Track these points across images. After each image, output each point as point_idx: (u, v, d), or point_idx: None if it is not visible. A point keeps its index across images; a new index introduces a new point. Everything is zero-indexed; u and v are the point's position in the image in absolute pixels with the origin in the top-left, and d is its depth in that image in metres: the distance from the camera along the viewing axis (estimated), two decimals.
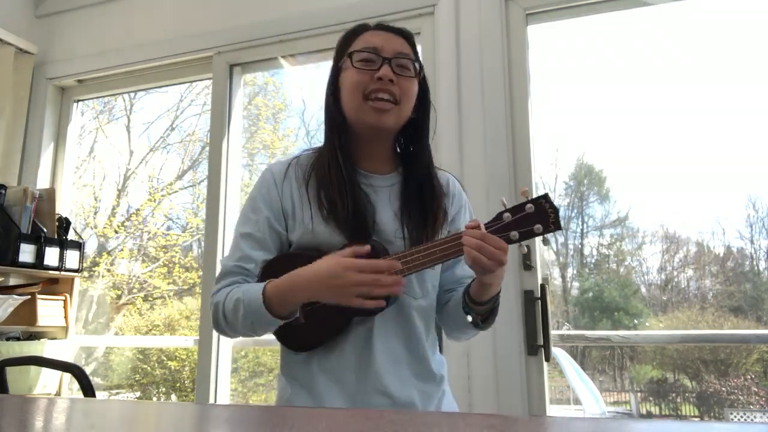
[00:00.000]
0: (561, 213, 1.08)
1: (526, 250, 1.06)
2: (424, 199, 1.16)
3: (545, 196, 1.04)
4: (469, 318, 1.14)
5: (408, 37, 1.21)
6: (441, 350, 1.29)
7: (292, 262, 1.10)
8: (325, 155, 1.17)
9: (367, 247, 1.04)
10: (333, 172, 1.14)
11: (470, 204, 1.30)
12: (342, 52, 1.20)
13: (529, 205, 1.03)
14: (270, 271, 1.14)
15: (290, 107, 5.73)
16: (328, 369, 1.12)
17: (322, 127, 1.23)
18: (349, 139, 1.18)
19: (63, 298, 2.59)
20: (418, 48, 2.34)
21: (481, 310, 1.12)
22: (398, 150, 1.26)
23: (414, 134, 1.21)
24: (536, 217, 1.03)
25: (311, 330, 1.12)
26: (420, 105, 1.20)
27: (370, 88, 1.12)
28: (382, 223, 1.14)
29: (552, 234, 1.04)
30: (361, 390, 1.10)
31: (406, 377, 1.13)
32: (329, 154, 1.16)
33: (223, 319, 1.12)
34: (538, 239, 1.06)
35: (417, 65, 1.18)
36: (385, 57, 1.13)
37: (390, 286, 1.00)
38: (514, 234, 1.03)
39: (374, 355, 1.10)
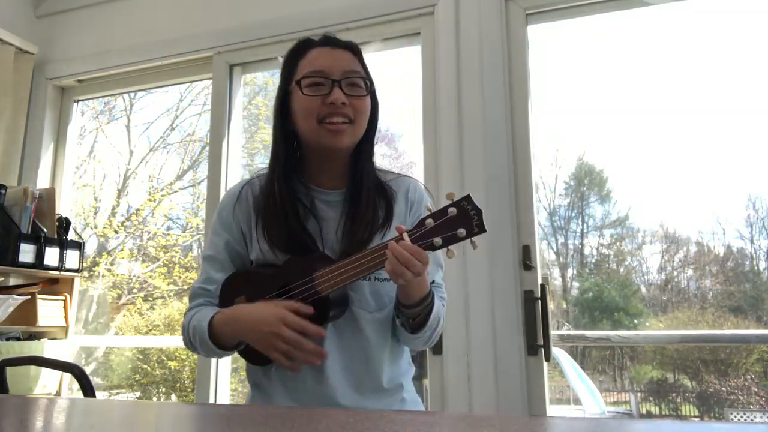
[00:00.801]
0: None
1: (455, 253, 1.03)
2: (360, 211, 1.15)
3: (467, 198, 1.00)
4: (398, 321, 1.15)
5: (355, 51, 1.19)
6: (441, 350, 1.29)
7: (245, 279, 1.17)
8: (273, 181, 1.17)
9: (309, 309, 1.05)
10: (279, 201, 1.15)
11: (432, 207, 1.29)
12: (289, 74, 1.18)
13: (451, 209, 1.00)
14: (226, 288, 1.19)
15: None
16: (286, 380, 1.14)
17: None
18: (303, 158, 1.19)
19: (63, 298, 2.59)
20: (418, 48, 2.35)
21: (410, 314, 1.11)
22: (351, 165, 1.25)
23: (361, 148, 1.21)
24: (459, 220, 0.99)
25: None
26: (369, 119, 1.19)
27: (324, 113, 1.12)
28: (329, 239, 1.15)
29: (477, 237, 1.00)
30: (316, 401, 1.12)
31: (361, 390, 1.14)
32: (276, 180, 1.17)
33: (189, 343, 1.18)
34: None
35: (367, 81, 1.16)
36: (334, 79, 1.12)
37: (309, 354, 1.03)
38: (437, 240, 1.00)
39: (327, 368, 1.11)
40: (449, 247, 1.01)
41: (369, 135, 1.20)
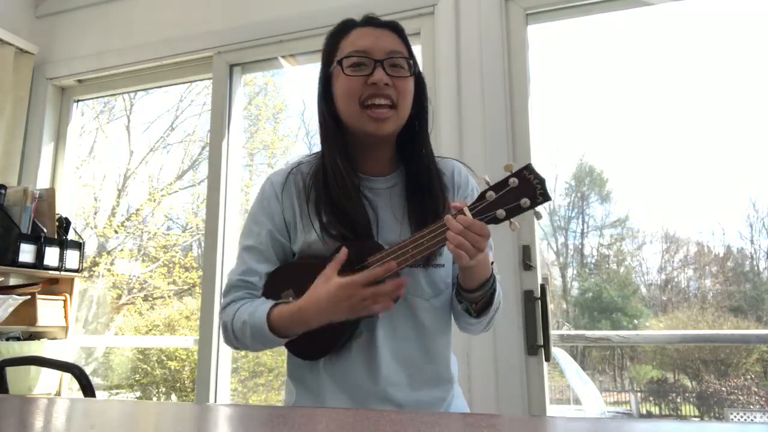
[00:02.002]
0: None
1: (518, 226, 0.99)
2: (424, 197, 1.12)
3: (528, 167, 0.97)
4: (461, 307, 1.11)
5: (399, 31, 1.15)
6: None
7: (293, 271, 1.13)
8: (325, 165, 1.13)
9: (344, 252, 1.03)
10: (332, 185, 1.10)
11: (478, 189, 1.25)
12: (330, 55, 1.15)
13: (512, 179, 0.96)
14: (273, 281, 1.14)
15: (290, 107, 5.73)
16: (335, 375, 1.10)
17: None
18: (348, 144, 1.14)
19: (63, 298, 2.59)
20: (418, 48, 2.35)
21: (473, 298, 1.08)
22: (397, 149, 1.21)
23: (412, 131, 1.17)
24: (522, 190, 0.96)
25: (317, 338, 1.08)
26: (417, 101, 1.15)
27: (366, 94, 1.08)
28: (385, 227, 1.11)
29: (544, 206, 0.96)
30: (368, 397, 1.08)
31: (416, 381, 1.10)
32: (328, 164, 1.12)
33: (233, 339, 1.13)
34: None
35: (411, 62, 1.12)
36: (376, 59, 1.08)
37: (390, 293, 1.00)
38: (501, 212, 0.96)
39: (380, 360, 1.08)
40: (511, 220, 0.97)
41: (421, 117, 1.16)
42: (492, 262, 1.12)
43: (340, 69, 1.11)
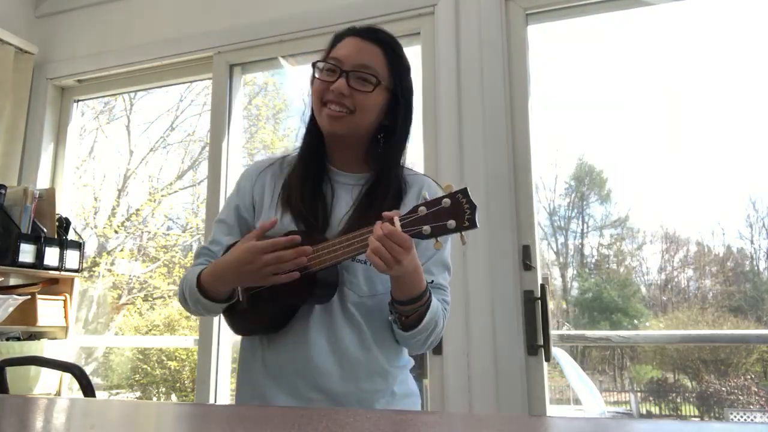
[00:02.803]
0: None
1: (442, 245, 1.01)
2: (375, 200, 1.17)
3: (463, 191, 0.99)
4: (390, 317, 1.13)
5: (386, 47, 1.21)
6: (441, 350, 1.28)
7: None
8: (299, 153, 1.26)
9: (273, 220, 1.10)
10: (301, 164, 1.22)
11: None
12: (324, 55, 1.24)
13: (445, 200, 0.99)
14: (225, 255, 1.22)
15: (290, 107, 5.73)
16: (270, 364, 1.16)
17: None
18: (320, 137, 1.24)
19: (63, 298, 2.59)
20: (418, 48, 2.35)
21: (402, 311, 1.09)
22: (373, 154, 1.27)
23: (387, 139, 1.24)
24: (451, 212, 0.98)
25: (253, 316, 1.17)
26: (394, 112, 1.22)
27: (326, 98, 1.18)
28: (336, 218, 1.17)
29: (467, 232, 0.98)
30: (300, 385, 1.12)
31: (348, 372, 1.12)
32: (301, 151, 1.25)
33: (183, 300, 1.22)
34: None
35: (376, 80, 1.17)
36: (343, 69, 1.17)
37: (293, 260, 1.05)
38: (426, 228, 0.99)
39: (312, 349, 1.12)
40: (437, 238, 0.99)
41: (398, 130, 1.22)
42: (438, 284, 1.17)
43: (318, 70, 1.22)
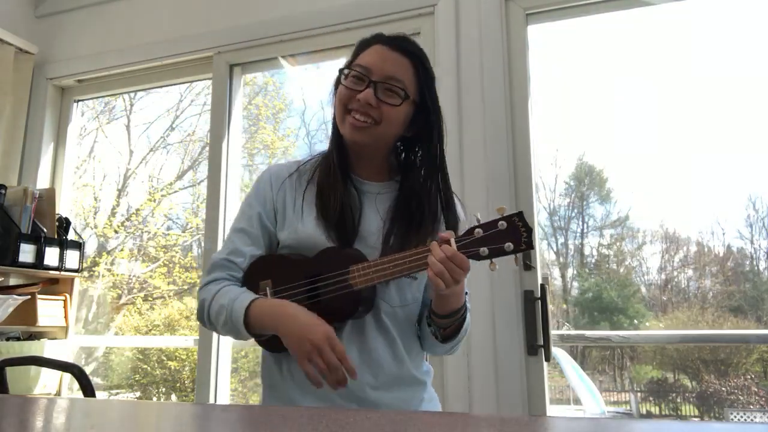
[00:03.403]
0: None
1: (497, 267, 1.05)
2: (411, 212, 1.16)
3: (519, 215, 1.03)
4: (430, 330, 1.15)
5: (415, 58, 1.19)
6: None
7: (273, 262, 1.17)
8: (326, 159, 1.22)
9: (354, 372, 1.03)
10: (327, 173, 1.18)
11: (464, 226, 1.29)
12: (351, 60, 1.22)
13: (501, 222, 1.02)
14: (256, 268, 1.18)
15: (290, 107, 5.73)
16: (301, 374, 1.10)
17: (323, 127, 1.26)
18: (345, 145, 1.21)
19: (63, 298, 2.59)
20: None
21: (442, 324, 1.13)
22: (403, 161, 1.27)
23: (413, 150, 1.24)
24: (508, 235, 1.02)
25: None
26: (418, 125, 1.21)
27: (351, 106, 1.15)
28: (365, 229, 1.16)
29: (523, 254, 1.04)
30: (333, 396, 1.10)
31: (380, 382, 1.13)
32: (328, 157, 1.21)
33: (207, 318, 1.17)
34: (510, 258, 1.05)
35: (404, 93, 1.16)
36: (371, 80, 1.14)
37: (338, 382, 1.02)
38: (484, 250, 1.02)
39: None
40: (493, 260, 1.03)
41: (425, 140, 1.21)
42: (466, 293, 1.17)
43: (344, 76, 1.19)
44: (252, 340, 1.17)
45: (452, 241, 1.02)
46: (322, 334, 1.02)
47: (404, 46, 1.19)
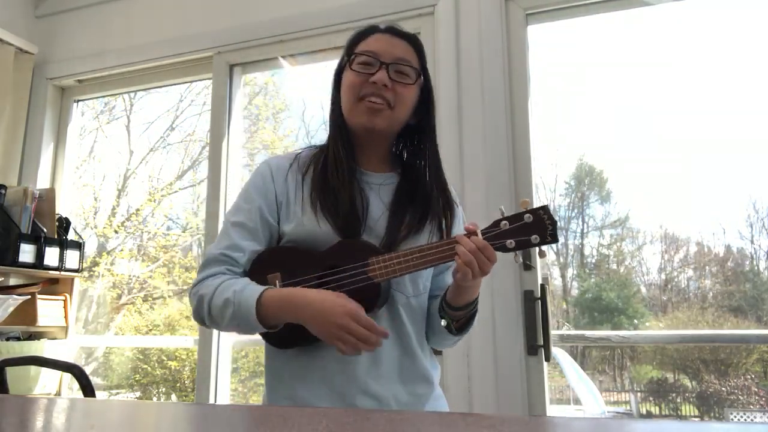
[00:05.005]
0: (561, 213, 1.09)
1: (520, 260, 1.08)
2: (415, 201, 1.16)
3: (545, 208, 1.05)
4: (443, 322, 1.15)
5: (415, 43, 1.21)
6: (441, 350, 1.29)
7: (287, 255, 1.13)
8: (329, 150, 1.18)
9: (386, 333, 1.04)
10: (334, 166, 1.15)
11: (464, 217, 1.30)
12: (349, 51, 1.21)
13: (527, 215, 1.04)
14: (262, 263, 1.13)
15: (290, 107, 5.73)
16: (312, 369, 1.11)
17: (323, 127, 1.25)
18: (349, 136, 1.19)
19: (63, 298, 2.59)
20: None
21: (457, 316, 1.13)
22: (399, 152, 1.27)
23: (414, 138, 1.24)
24: (534, 227, 1.04)
25: (295, 326, 1.07)
26: (421, 110, 1.21)
27: (364, 91, 1.14)
28: (372, 219, 1.15)
29: (548, 247, 1.05)
30: (345, 390, 1.09)
31: (393, 376, 1.11)
32: (332, 149, 1.18)
33: (207, 314, 1.10)
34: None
35: (416, 72, 1.18)
36: (383, 62, 1.14)
37: (373, 345, 1.02)
38: (511, 242, 1.04)
39: (355, 357, 1.08)
40: (517, 252, 1.05)
41: (426, 127, 1.22)
42: None
43: (349, 63, 1.18)
44: (249, 339, 1.16)
45: (479, 232, 1.04)
46: (344, 313, 1.00)
47: (404, 33, 1.21)
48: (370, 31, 1.21)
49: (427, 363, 1.17)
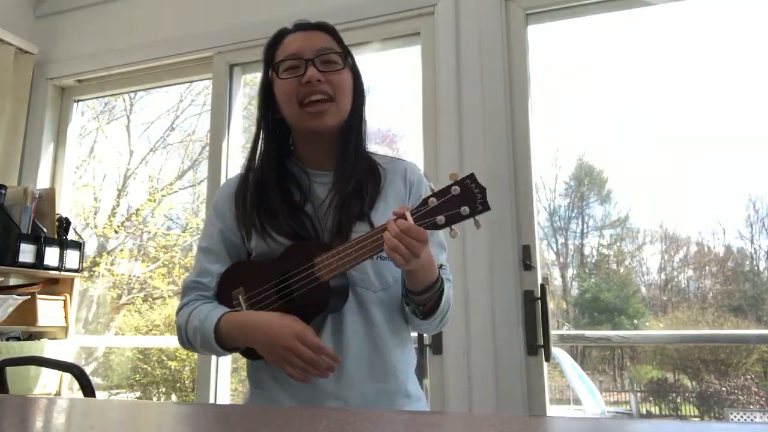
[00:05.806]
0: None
1: (458, 233, 1.01)
2: (353, 192, 1.14)
3: (471, 176, 1.00)
4: (408, 309, 1.13)
5: (329, 30, 1.21)
6: (441, 350, 1.27)
7: (243, 270, 1.16)
8: (263, 168, 1.18)
9: (337, 358, 1.04)
10: (271, 180, 1.15)
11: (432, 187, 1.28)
12: (268, 64, 1.20)
13: (454, 187, 0.99)
14: (227, 279, 1.17)
15: None
16: (282, 377, 1.09)
17: None
18: (295, 142, 1.21)
19: (63, 298, 2.59)
20: (418, 48, 2.35)
21: (420, 300, 1.09)
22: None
23: (351, 125, 1.20)
24: (462, 199, 0.99)
25: None
26: (356, 98, 1.19)
27: (302, 93, 1.13)
28: (326, 221, 1.13)
29: (482, 215, 0.99)
30: (312, 393, 1.08)
31: (362, 375, 1.10)
32: (265, 163, 1.18)
33: (186, 342, 1.16)
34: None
35: (341, 56, 1.16)
36: (306, 59, 1.13)
37: (322, 371, 1.02)
38: (440, 219, 0.99)
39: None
40: (452, 227, 1.00)
41: (356, 111, 1.19)
42: (441, 265, 1.15)
43: (275, 74, 1.17)
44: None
45: (407, 214, 0.99)
46: (291, 335, 1.01)
47: (313, 24, 1.21)
48: (281, 36, 1.21)
49: (396, 357, 1.14)
